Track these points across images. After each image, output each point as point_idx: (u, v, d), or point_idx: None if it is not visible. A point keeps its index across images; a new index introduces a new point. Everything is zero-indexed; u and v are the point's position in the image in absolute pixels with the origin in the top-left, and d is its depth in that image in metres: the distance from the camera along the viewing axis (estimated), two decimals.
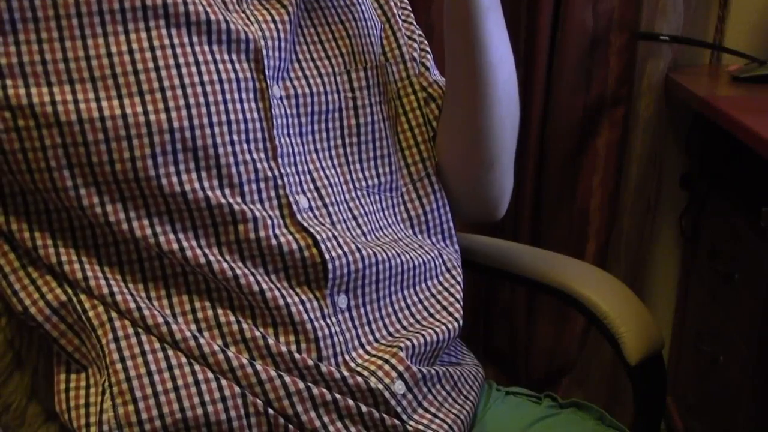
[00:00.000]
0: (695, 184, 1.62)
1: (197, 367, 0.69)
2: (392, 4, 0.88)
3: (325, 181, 0.78)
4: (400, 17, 0.89)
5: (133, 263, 0.71)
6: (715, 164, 1.53)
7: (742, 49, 1.51)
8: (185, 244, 0.70)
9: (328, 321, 0.73)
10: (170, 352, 0.69)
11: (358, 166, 0.81)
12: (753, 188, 1.31)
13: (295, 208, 0.74)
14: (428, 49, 0.91)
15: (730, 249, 1.36)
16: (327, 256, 0.73)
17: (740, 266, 1.30)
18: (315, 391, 0.70)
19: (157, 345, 0.69)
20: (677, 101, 1.56)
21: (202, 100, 0.69)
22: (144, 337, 0.69)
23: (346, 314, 0.75)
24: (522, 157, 1.55)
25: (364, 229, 0.79)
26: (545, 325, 1.70)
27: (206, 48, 0.70)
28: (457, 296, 0.83)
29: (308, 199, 0.76)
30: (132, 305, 0.69)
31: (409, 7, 0.92)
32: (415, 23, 0.91)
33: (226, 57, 0.71)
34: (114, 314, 0.69)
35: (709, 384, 1.43)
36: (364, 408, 0.71)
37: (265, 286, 0.71)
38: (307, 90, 0.78)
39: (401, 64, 0.86)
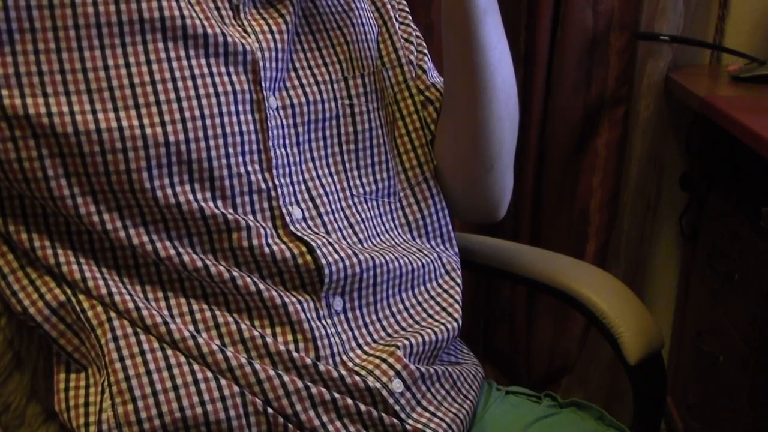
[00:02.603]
0: (695, 184, 1.62)
1: (196, 367, 0.69)
2: (389, 6, 0.88)
3: (321, 191, 0.78)
4: (397, 19, 0.88)
5: (130, 267, 0.71)
6: (715, 164, 1.53)
7: (742, 49, 1.51)
8: (181, 250, 0.70)
9: (324, 322, 0.73)
10: (169, 352, 0.69)
11: (355, 173, 0.81)
12: (753, 188, 1.31)
13: (288, 219, 0.74)
14: (426, 51, 0.91)
15: (730, 249, 1.36)
16: (323, 262, 0.73)
17: (740, 266, 1.30)
18: (314, 390, 0.70)
19: (156, 344, 0.69)
20: (677, 101, 1.56)
21: (197, 113, 0.69)
22: (143, 337, 0.69)
23: (342, 316, 0.75)
24: (522, 157, 1.55)
25: (361, 236, 0.79)
26: (545, 325, 1.70)
27: (203, 61, 0.71)
28: (456, 297, 0.83)
29: (302, 210, 0.76)
30: (131, 305, 0.69)
31: (407, 9, 0.91)
32: (412, 25, 0.90)
33: (223, 70, 0.71)
34: (113, 314, 0.69)
35: (709, 384, 1.43)
36: (362, 407, 0.71)
37: (261, 286, 0.71)
38: (303, 99, 0.78)
39: (398, 68, 0.86)
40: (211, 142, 0.70)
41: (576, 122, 1.56)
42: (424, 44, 0.91)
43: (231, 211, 0.71)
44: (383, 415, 0.72)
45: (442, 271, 0.84)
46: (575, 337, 1.69)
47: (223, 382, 0.68)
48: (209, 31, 0.71)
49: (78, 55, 0.67)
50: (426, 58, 0.90)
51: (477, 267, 1.00)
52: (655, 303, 1.74)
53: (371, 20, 0.85)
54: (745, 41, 1.57)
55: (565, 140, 1.57)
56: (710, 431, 1.42)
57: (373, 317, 0.77)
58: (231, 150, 0.71)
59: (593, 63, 1.53)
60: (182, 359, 0.69)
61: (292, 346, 0.71)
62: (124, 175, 0.67)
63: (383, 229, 0.82)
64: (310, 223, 0.76)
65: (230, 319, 0.71)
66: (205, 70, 0.70)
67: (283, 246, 0.73)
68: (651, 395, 0.89)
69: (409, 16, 0.91)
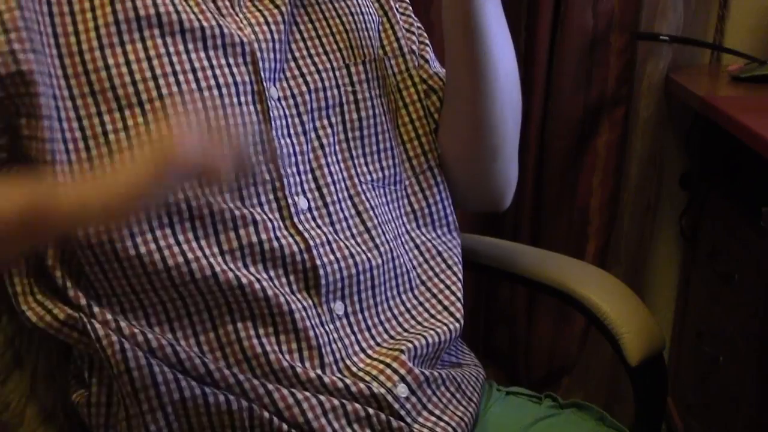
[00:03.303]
0: (695, 184, 1.62)
1: (205, 387, 0.68)
2: None
3: (329, 179, 0.77)
4: (398, 10, 0.88)
5: (140, 276, 0.69)
6: (715, 164, 1.53)
7: (742, 49, 1.51)
8: (190, 256, 0.69)
9: (327, 328, 0.73)
10: (178, 372, 0.68)
11: (361, 160, 0.81)
12: (753, 188, 1.30)
13: (293, 210, 0.74)
14: (427, 41, 0.91)
15: (730, 249, 1.36)
16: (318, 262, 0.73)
17: (740, 266, 1.30)
18: (322, 397, 0.70)
19: (165, 368, 0.68)
20: (677, 101, 1.56)
21: (200, 105, 0.69)
22: (153, 361, 0.68)
23: (344, 321, 0.75)
24: (522, 157, 1.53)
25: (369, 224, 0.79)
26: (545, 325, 1.70)
27: (202, 54, 0.70)
28: (458, 295, 0.83)
29: (308, 200, 0.75)
30: (136, 330, 0.68)
31: (407, 0, 0.91)
32: (413, 15, 0.91)
33: (223, 62, 0.71)
34: (120, 337, 0.68)
35: (709, 384, 1.43)
36: (370, 410, 0.71)
37: (270, 292, 0.71)
38: (304, 88, 0.78)
39: (400, 57, 0.86)
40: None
41: (576, 122, 1.56)
42: (425, 35, 0.91)
43: (239, 204, 0.71)
44: (390, 419, 0.72)
45: (444, 266, 0.84)
46: (575, 337, 1.69)
47: (231, 397, 0.68)
48: (205, 24, 0.71)
49: (79, 58, 0.67)
50: (428, 48, 0.90)
51: (477, 267, 1.00)
52: (655, 303, 1.74)
53: (371, 10, 0.85)
54: (745, 41, 1.56)
55: (565, 140, 1.57)
56: (710, 431, 1.42)
57: (375, 320, 0.77)
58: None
59: (593, 63, 1.53)
60: (190, 379, 0.68)
61: (296, 356, 0.71)
62: None
63: (389, 217, 0.82)
64: (316, 213, 0.76)
65: (233, 337, 0.70)
66: (205, 63, 0.70)
67: (290, 239, 0.72)
68: (652, 396, 0.89)
69: (410, 7, 0.91)
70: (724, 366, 1.33)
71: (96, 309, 0.69)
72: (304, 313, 0.72)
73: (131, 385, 0.67)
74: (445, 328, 0.79)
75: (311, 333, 0.72)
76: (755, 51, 1.52)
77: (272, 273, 0.72)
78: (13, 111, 0.65)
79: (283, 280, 0.72)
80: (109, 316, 0.69)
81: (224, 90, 0.71)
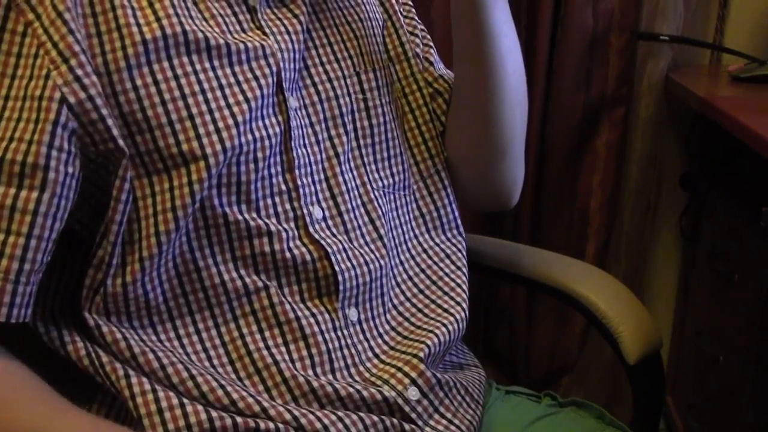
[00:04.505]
0: (695, 184, 1.62)
1: (212, 410, 0.67)
2: (393, 0, 0.88)
3: (343, 187, 0.78)
4: (401, 13, 0.88)
5: (149, 280, 0.68)
6: (715, 164, 1.53)
7: (742, 49, 1.52)
8: (201, 264, 0.69)
9: (339, 334, 0.73)
10: (182, 392, 0.68)
11: (373, 167, 0.81)
12: (753, 188, 1.31)
13: (308, 219, 0.74)
14: (431, 43, 0.91)
15: (730, 249, 1.36)
16: (337, 269, 0.73)
17: (740, 266, 1.30)
18: (337, 404, 0.70)
19: (171, 391, 0.67)
20: (677, 101, 1.56)
21: (231, 122, 0.69)
22: (158, 387, 0.67)
23: (357, 327, 0.75)
24: None
25: (381, 231, 0.79)
26: (545, 325, 1.70)
27: (228, 71, 0.70)
28: (465, 294, 0.83)
29: (322, 209, 0.76)
30: (147, 349, 0.67)
31: (410, 2, 0.91)
32: (416, 18, 0.91)
33: (249, 76, 0.71)
34: (132, 366, 0.68)
35: (709, 384, 1.43)
36: (383, 416, 0.71)
37: (276, 299, 0.71)
38: (315, 98, 0.78)
39: (404, 61, 0.86)
40: (244, 148, 0.69)
41: (576, 122, 1.56)
42: (429, 37, 0.92)
43: (254, 215, 0.71)
44: (402, 423, 0.72)
45: (453, 267, 0.84)
46: (575, 337, 1.69)
47: (239, 420, 0.67)
48: (230, 40, 0.70)
49: (107, 80, 0.65)
50: (432, 50, 0.90)
51: (477, 267, 1.00)
52: (655, 303, 1.74)
53: (377, 15, 0.86)
54: (745, 41, 1.57)
55: (565, 140, 1.57)
56: (710, 431, 1.42)
57: (387, 327, 0.77)
58: (260, 154, 0.71)
59: (593, 63, 1.53)
60: (196, 403, 0.67)
61: (307, 362, 0.71)
62: (168, 193, 0.67)
63: (397, 222, 0.82)
64: (330, 222, 0.76)
65: (243, 351, 0.70)
66: (232, 80, 0.70)
67: (303, 249, 0.73)
68: (650, 394, 0.89)
69: (413, 10, 0.91)
70: (724, 366, 1.34)
71: (104, 318, 0.67)
72: (312, 320, 0.72)
73: (135, 411, 0.67)
74: (454, 325, 0.79)
75: (320, 338, 0.72)
76: (755, 51, 1.52)
77: (284, 281, 0.72)
78: (89, 142, 0.65)
79: (295, 288, 0.72)
80: (125, 325, 0.68)
81: (252, 104, 0.70)
